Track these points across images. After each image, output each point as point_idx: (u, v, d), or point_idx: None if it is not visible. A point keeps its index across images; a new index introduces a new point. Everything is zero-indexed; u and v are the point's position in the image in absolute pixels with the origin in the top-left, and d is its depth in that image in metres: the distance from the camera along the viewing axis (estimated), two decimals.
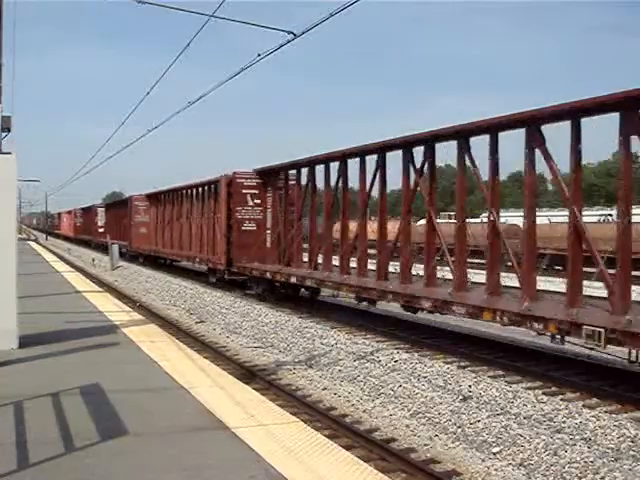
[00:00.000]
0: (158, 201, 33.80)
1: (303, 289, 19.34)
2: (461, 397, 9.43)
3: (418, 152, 13.77)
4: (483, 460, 7.34)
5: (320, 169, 17.88)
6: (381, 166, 14.90)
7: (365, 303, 15.75)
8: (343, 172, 16.53)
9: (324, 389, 10.45)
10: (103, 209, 53.78)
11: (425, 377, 10.61)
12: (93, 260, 39.82)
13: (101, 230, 51.56)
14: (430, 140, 13.29)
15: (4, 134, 12.44)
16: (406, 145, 14.04)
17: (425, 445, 7.92)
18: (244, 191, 21.69)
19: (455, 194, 12.84)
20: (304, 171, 18.98)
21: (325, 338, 14.04)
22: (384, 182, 15.00)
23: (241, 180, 21.74)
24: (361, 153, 15.73)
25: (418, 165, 13.67)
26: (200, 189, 26.20)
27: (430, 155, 13.38)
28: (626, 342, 8.64)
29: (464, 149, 12.23)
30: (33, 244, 56.88)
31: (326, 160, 17.41)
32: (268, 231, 21.42)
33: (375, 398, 9.81)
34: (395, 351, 12.48)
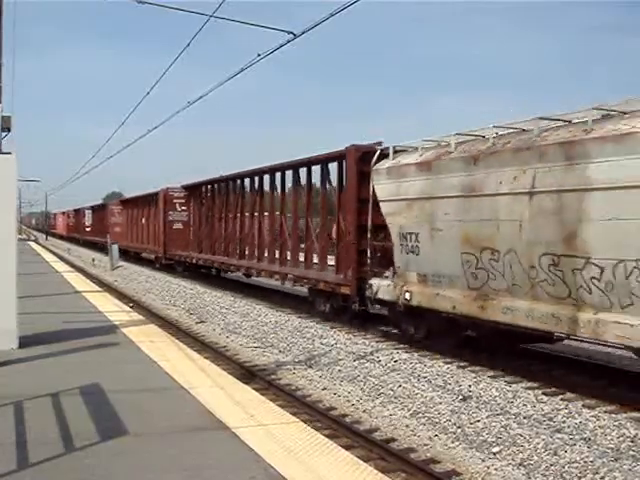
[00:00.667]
0: (125, 207, 44.40)
1: (213, 269, 27.35)
2: (461, 397, 9.44)
3: (303, 171, 18.67)
4: (483, 460, 7.34)
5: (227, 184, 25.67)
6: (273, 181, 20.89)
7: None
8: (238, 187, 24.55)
9: (324, 389, 10.45)
10: (90, 211, 60.52)
11: (425, 377, 10.61)
12: (93, 260, 39.82)
13: (88, 229, 59.92)
14: (306, 164, 18.24)
15: (4, 134, 12.44)
16: (293, 167, 19.16)
17: (425, 445, 7.92)
18: (174, 201, 31.35)
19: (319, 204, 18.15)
20: (221, 185, 26.57)
21: (325, 338, 14.04)
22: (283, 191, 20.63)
23: (172, 193, 31.50)
24: (259, 172, 22.10)
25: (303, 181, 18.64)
26: (148, 199, 35.61)
27: (307, 175, 18.35)
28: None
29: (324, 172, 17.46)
30: (33, 244, 56.87)
31: (232, 178, 24.97)
32: (191, 228, 30.46)
33: (375, 398, 9.81)
34: (395, 351, 12.48)
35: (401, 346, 13.02)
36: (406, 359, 11.80)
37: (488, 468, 7.10)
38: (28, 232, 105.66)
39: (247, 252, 22.99)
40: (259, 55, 11.53)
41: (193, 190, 30.54)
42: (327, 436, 6.53)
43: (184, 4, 13.08)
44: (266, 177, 21.54)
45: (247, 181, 23.52)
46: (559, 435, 7.79)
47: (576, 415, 8.46)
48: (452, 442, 7.94)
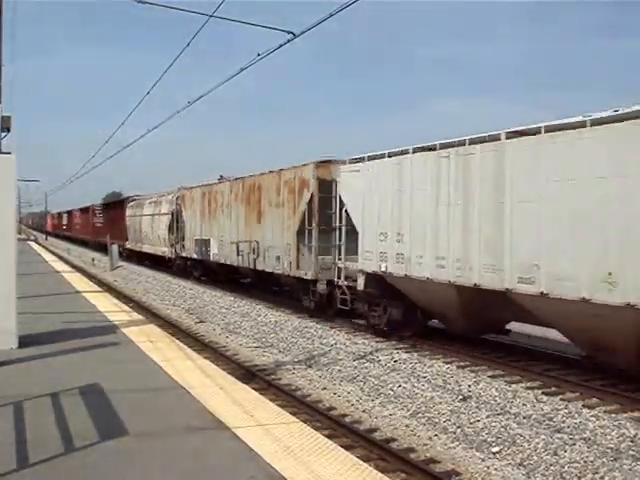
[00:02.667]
0: (91, 211, 56.37)
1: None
2: (461, 397, 9.44)
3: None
4: (483, 460, 7.34)
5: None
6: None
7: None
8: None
9: (324, 389, 10.45)
10: (66, 214, 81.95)
11: (425, 377, 10.61)
12: (93, 260, 39.82)
13: (64, 227, 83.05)
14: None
15: (4, 134, 12.43)
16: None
17: (425, 445, 7.92)
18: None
19: None
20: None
21: (325, 338, 14.05)
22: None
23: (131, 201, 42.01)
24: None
25: None
26: (116, 205, 47.72)
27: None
28: None
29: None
30: (33, 244, 56.87)
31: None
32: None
33: (375, 398, 9.81)
34: (395, 351, 12.48)
35: (401, 346, 13.02)
36: (406, 359, 11.80)
37: (488, 468, 7.10)
38: (28, 232, 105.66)
39: None
40: (259, 55, 11.52)
41: (116, 204, 48.51)
42: (327, 436, 6.53)
43: (184, 4, 13.07)
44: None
45: None
46: (559, 435, 7.79)
47: (576, 415, 8.46)
48: (452, 442, 7.94)
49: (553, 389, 9.77)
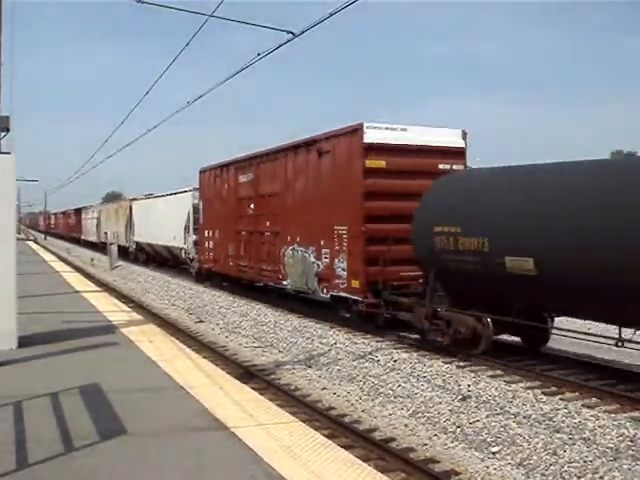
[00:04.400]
0: (66, 214, 75.02)
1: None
2: (460, 397, 9.44)
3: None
4: (482, 460, 7.33)
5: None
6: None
7: None
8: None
9: (323, 389, 10.45)
10: (54, 215, 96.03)
11: (424, 377, 10.61)
12: (92, 260, 39.82)
13: (53, 226, 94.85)
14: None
15: (3, 134, 12.42)
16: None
17: (424, 445, 7.92)
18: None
19: None
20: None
21: (324, 338, 14.04)
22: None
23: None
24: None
25: None
26: (85, 208, 62.45)
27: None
28: None
29: None
30: (32, 244, 56.89)
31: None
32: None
33: (374, 398, 9.81)
34: (394, 351, 12.48)
35: (400, 346, 13.01)
36: (405, 359, 11.80)
37: (487, 468, 7.10)
38: (27, 232, 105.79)
39: None
40: (258, 55, 11.53)
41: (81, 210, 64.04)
42: (326, 436, 6.53)
43: (184, 4, 13.07)
44: None
45: None
46: (558, 435, 7.79)
47: (575, 415, 8.46)
48: (451, 442, 7.93)
49: (553, 389, 9.77)
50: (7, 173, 9.28)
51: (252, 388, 8.12)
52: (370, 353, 12.35)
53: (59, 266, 29.08)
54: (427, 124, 15.35)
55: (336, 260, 14.74)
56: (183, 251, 27.97)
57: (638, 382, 9.49)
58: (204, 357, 10.34)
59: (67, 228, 73.97)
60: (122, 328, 11.45)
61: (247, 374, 10.88)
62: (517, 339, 12.48)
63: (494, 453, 7.47)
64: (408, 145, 14.11)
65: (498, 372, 10.79)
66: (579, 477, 6.69)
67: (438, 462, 7.33)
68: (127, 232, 38.97)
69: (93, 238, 53.33)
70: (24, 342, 9.45)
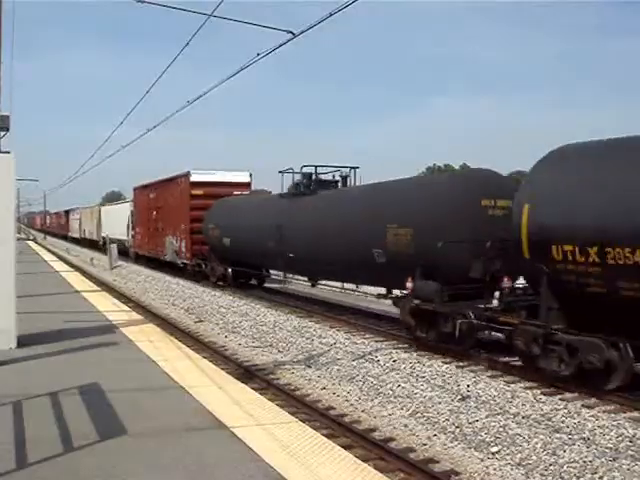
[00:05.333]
0: (56, 215, 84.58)
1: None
2: (460, 397, 9.44)
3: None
4: (482, 460, 7.34)
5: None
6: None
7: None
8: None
9: (323, 389, 10.45)
10: (47, 216, 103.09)
11: (424, 377, 10.61)
12: (92, 259, 39.80)
13: (47, 225, 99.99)
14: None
15: (2, 133, 12.42)
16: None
17: (424, 445, 7.92)
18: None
19: None
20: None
21: (324, 337, 14.04)
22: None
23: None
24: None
25: None
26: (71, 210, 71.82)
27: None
28: None
29: None
30: (32, 243, 56.90)
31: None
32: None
33: (374, 398, 9.81)
34: (394, 351, 12.48)
35: (400, 346, 13.02)
36: (405, 359, 11.80)
37: (487, 468, 7.11)
38: (27, 231, 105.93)
39: None
40: (258, 54, 11.53)
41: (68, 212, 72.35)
42: (326, 436, 6.54)
43: (184, 4, 13.07)
44: None
45: None
46: (558, 435, 7.79)
47: (575, 415, 8.46)
48: (451, 442, 7.94)
49: (552, 389, 9.77)
50: (7, 173, 9.27)
51: (252, 388, 8.13)
52: (370, 353, 12.36)
53: (59, 266, 29.08)
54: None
55: (182, 243, 26.84)
56: (127, 242, 39.36)
57: (638, 382, 9.48)
58: (204, 357, 10.34)
59: (59, 227, 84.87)
60: (122, 328, 11.45)
61: (247, 374, 10.88)
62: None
63: (494, 453, 7.47)
64: (215, 182, 25.74)
65: (497, 372, 10.79)
66: (578, 477, 6.69)
67: (437, 462, 7.33)
68: (98, 229, 50.58)
69: (76, 235, 64.90)
70: (24, 341, 9.45)
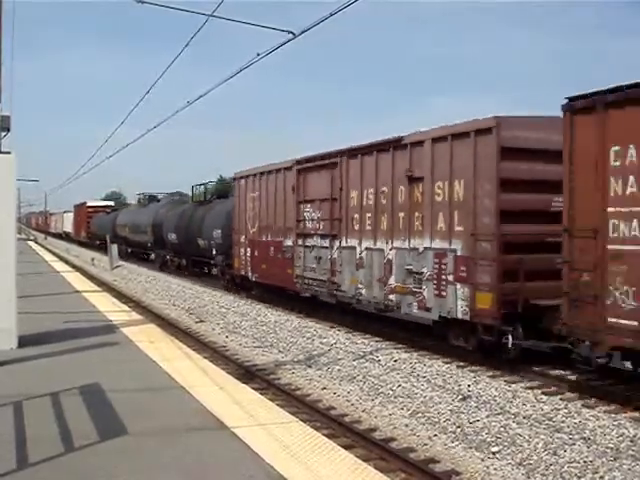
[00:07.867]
0: (51, 215, 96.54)
1: None
2: (460, 396, 9.44)
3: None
4: (482, 460, 7.33)
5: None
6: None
7: None
8: None
9: (323, 388, 10.45)
10: (44, 216, 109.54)
11: (424, 377, 10.61)
12: (92, 260, 39.82)
13: (43, 225, 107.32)
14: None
15: (3, 134, 12.42)
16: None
17: (424, 445, 7.92)
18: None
19: None
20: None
21: (324, 337, 14.05)
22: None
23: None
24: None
25: None
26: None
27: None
28: None
29: None
30: (32, 243, 56.92)
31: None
32: None
33: (374, 397, 9.81)
34: (394, 350, 12.48)
35: (400, 346, 13.02)
36: (405, 359, 11.80)
37: (487, 468, 7.10)
38: (28, 232, 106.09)
39: None
40: (258, 55, 11.53)
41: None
42: (326, 436, 6.53)
43: (184, 4, 13.07)
44: None
45: None
46: (558, 435, 7.79)
47: (575, 415, 8.46)
48: (451, 442, 7.93)
49: (553, 389, 9.77)
50: (7, 173, 9.27)
51: (252, 388, 8.13)
52: (370, 353, 12.36)
53: (59, 266, 29.07)
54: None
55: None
56: (71, 233, 64.98)
57: (638, 382, 9.49)
58: (204, 357, 10.34)
59: (45, 225, 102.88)
60: (122, 328, 11.45)
61: (247, 374, 10.88)
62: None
63: (494, 453, 7.47)
64: None
65: (498, 372, 10.79)
66: (579, 477, 6.69)
67: (438, 462, 7.32)
68: (62, 227, 74.83)
69: (54, 231, 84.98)
70: (24, 342, 9.44)
